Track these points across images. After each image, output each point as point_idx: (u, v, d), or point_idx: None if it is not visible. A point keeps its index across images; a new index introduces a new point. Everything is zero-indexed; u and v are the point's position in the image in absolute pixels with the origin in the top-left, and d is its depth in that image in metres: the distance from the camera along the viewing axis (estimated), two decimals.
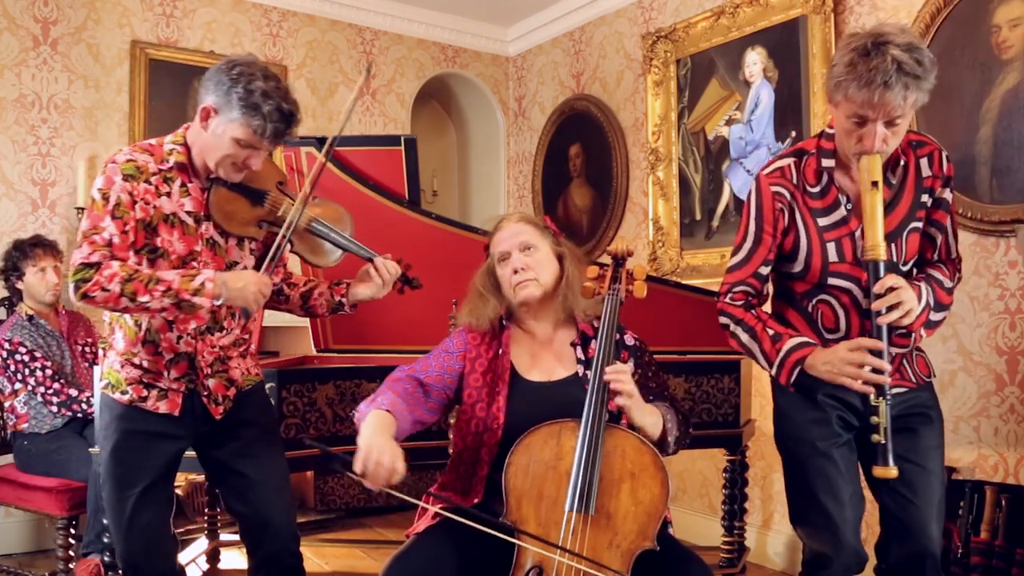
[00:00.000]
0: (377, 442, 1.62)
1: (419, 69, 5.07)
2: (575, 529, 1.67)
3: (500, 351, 1.94)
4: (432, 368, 1.95)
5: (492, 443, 1.86)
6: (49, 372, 3.19)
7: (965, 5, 2.95)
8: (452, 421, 2.49)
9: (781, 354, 1.87)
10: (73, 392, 3.19)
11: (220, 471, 2.09)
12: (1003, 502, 2.55)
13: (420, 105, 5.27)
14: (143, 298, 1.79)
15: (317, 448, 1.77)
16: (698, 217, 4.05)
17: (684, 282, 3.61)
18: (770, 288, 2.04)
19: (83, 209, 3.85)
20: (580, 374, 1.91)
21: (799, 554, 2.04)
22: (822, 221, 1.88)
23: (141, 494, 1.96)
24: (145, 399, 1.96)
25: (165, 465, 2.01)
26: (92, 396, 3.15)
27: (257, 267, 2.06)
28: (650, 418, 1.79)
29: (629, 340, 1.99)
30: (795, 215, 1.90)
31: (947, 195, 1.89)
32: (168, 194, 1.92)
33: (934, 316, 1.85)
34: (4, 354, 3.18)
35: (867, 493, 1.98)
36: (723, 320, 1.98)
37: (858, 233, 1.84)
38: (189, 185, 1.95)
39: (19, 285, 3.35)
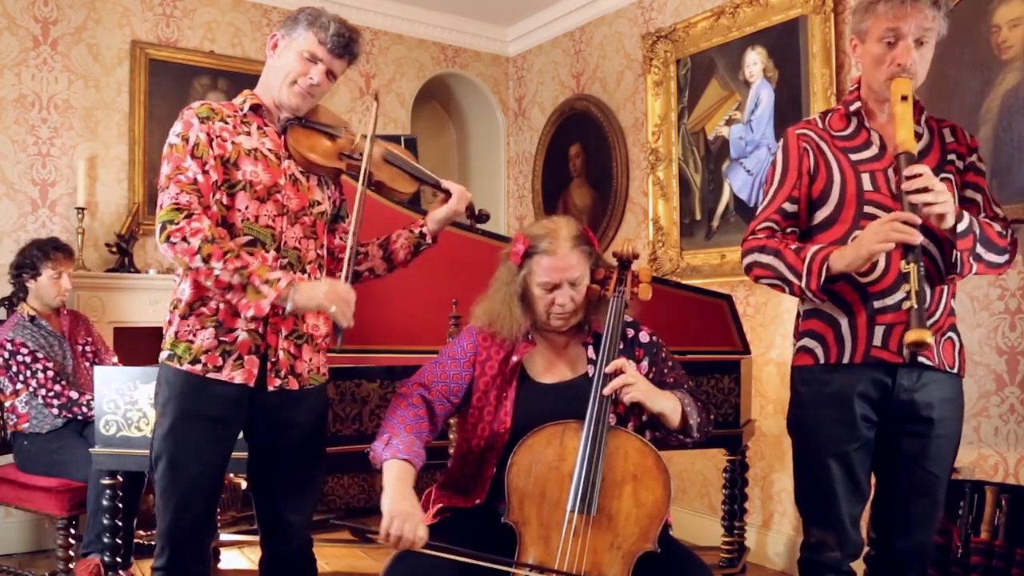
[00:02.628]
0: (399, 511, 1.63)
1: (419, 69, 5.07)
2: (577, 530, 1.67)
3: (512, 354, 1.91)
4: (439, 378, 1.92)
5: (499, 446, 1.85)
6: (51, 373, 3.18)
7: (965, 5, 2.95)
8: (452, 421, 2.49)
9: (807, 261, 1.83)
10: (74, 395, 3.19)
11: (251, 461, 2.02)
12: (1003, 502, 2.55)
13: (420, 105, 5.27)
14: (216, 264, 1.74)
15: (342, 524, 1.72)
16: (698, 217, 4.05)
17: (684, 282, 3.61)
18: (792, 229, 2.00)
19: (83, 209, 3.86)
20: (590, 374, 1.89)
21: (799, 553, 2.04)
22: (854, 156, 1.91)
23: (198, 475, 1.90)
24: (220, 368, 1.86)
25: (219, 450, 1.93)
26: (92, 399, 3.15)
27: (334, 220, 2.10)
28: (668, 403, 1.78)
29: (644, 337, 1.97)
30: (823, 154, 1.93)
31: (977, 162, 1.93)
32: (248, 133, 1.94)
33: (984, 252, 1.81)
34: (6, 355, 3.18)
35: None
36: (747, 259, 1.96)
37: (890, 171, 1.86)
38: (266, 128, 1.97)
39: (29, 284, 3.32)
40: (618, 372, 1.75)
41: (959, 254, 1.79)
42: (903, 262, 1.67)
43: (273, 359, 1.91)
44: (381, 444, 1.77)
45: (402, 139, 3.03)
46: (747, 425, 3.18)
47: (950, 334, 1.90)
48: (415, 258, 2.14)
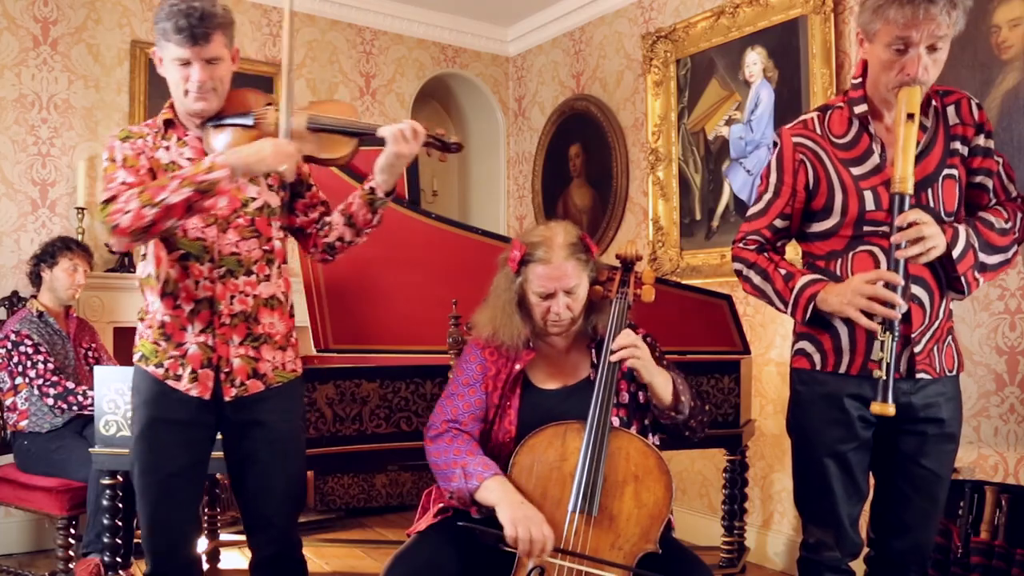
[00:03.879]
0: (522, 515, 1.65)
1: (419, 69, 5.07)
2: (578, 530, 1.67)
3: (514, 364, 1.90)
4: (463, 409, 1.90)
5: (504, 455, 1.83)
6: (51, 366, 3.19)
7: None
8: None
9: (795, 292, 1.83)
10: (70, 384, 3.18)
11: (229, 466, 2.03)
12: (1003, 502, 2.55)
13: (420, 105, 5.27)
14: (161, 195, 1.74)
15: (476, 529, 1.69)
16: (698, 217, 4.05)
17: (684, 282, 3.61)
18: (794, 252, 2.01)
19: (83, 209, 3.86)
20: (592, 378, 1.88)
21: (798, 553, 2.04)
22: (855, 170, 1.83)
23: (167, 479, 1.91)
24: (180, 378, 1.89)
25: (192, 454, 1.94)
26: (88, 390, 3.16)
27: (292, 198, 2.05)
28: (659, 377, 1.81)
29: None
30: (823, 167, 1.86)
31: (983, 141, 1.84)
32: (166, 148, 1.94)
33: (987, 259, 1.78)
34: (9, 345, 3.19)
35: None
36: (736, 265, 1.97)
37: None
38: (185, 137, 1.95)
39: (45, 274, 3.36)
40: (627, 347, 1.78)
41: (963, 276, 1.77)
42: (880, 328, 1.68)
43: (227, 369, 1.91)
44: (458, 482, 1.75)
45: None
46: (747, 425, 3.18)
47: (949, 339, 1.88)
48: (378, 216, 2.03)
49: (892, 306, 1.68)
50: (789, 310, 1.87)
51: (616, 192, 4.52)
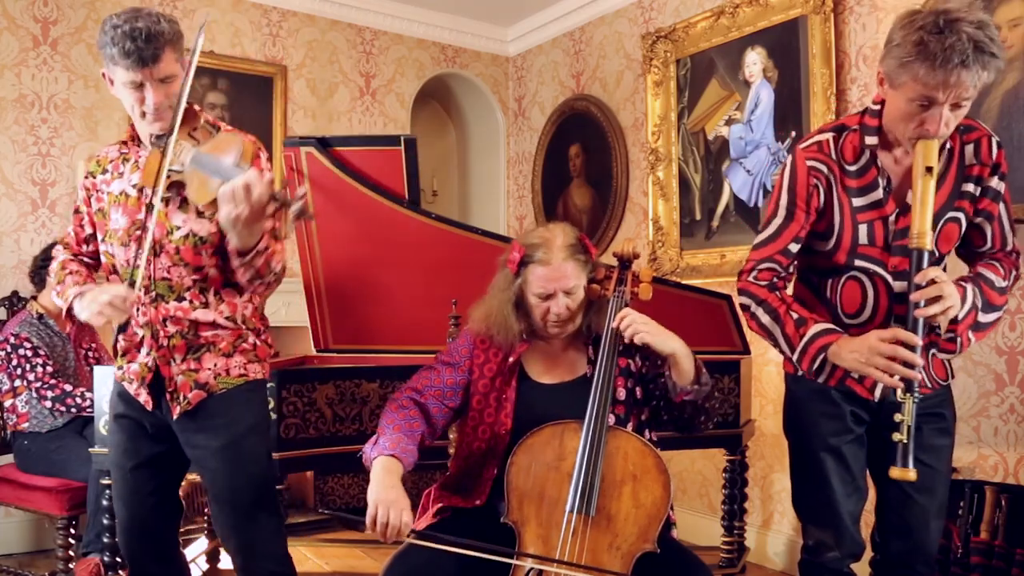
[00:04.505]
0: (384, 498, 1.64)
1: (419, 69, 5.07)
2: (576, 530, 1.67)
3: (510, 356, 1.91)
4: (434, 383, 1.92)
5: (500, 447, 1.85)
6: (49, 369, 3.19)
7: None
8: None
9: (805, 340, 1.77)
10: (68, 387, 3.18)
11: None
12: (1003, 502, 2.55)
13: (420, 105, 5.27)
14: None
15: (329, 513, 1.73)
16: (698, 217, 4.05)
17: (684, 282, 3.61)
18: (794, 267, 1.98)
19: None
20: (589, 375, 1.89)
21: (799, 554, 2.04)
22: (856, 201, 1.80)
23: (128, 474, 1.96)
24: (131, 382, 1.95)
25: (150, 451, 1.97)
26: (86, 392, 3.16)
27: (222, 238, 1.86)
28: (676, 343, 1.79)
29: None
30: (832, 193, 1.82)
31: (996, 183, 1.79)
32: (122, 175, 1.95)
33: (983, 318, 1.76)
34: (8, 348, 3.19)
35: (868, 482, 1.97)
36: (743, 300, 1.89)
37: (892, 218, 1.78)
38: (139, 159, 1.95)
39: (49, 278, 3.35)
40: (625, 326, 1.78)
41: (959, 336, 1.75)
42: (900, 390, 1.64)
43: (171, 388, 1.91)
44: (370, 446, 1.79)
45: (402, 139, 3.02)
46: (747, 425, 3.18)
47: (932, 351, 1.84)
48: (250, 275, 1.85)
49: (912, 367, 1.63)
50: (796, 357, 1.81)
51: (616, 192, 4.52)
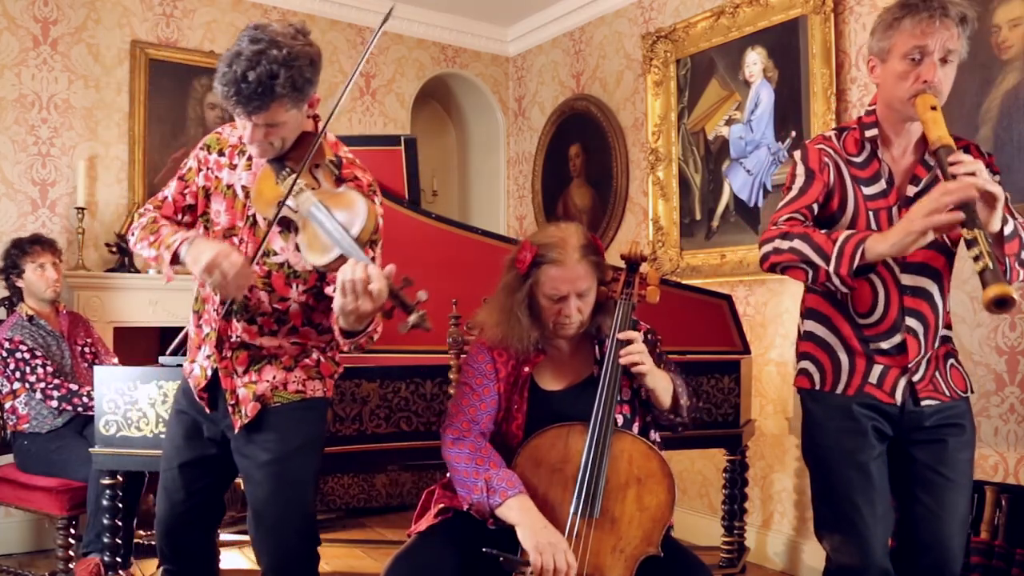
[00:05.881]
0: (548, 541, 1.61)
1: (419, 69, 5.07)
2: (579, 533, 1.67)
3: (523, 365, 1.88)
4: (480, 408, 1.86)
5: (507, 459, 1.82)
6: (50, 369, 3.19)
7: None
8: None
9: (838, 243, 1.68)
10: (73, 387, 3.18)
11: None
12: (1003, 502, 2.55)
13: (420, 105, 5.27)
14: (140, 245, 1.87)
15: (495, 554, 1.61)
16: (698, 217, 4.05)
17: (684, 282, 3.61)
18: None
19: (83, 209, 3.86)
20: (596, 374, 1.88)
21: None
22: (866, 190, 1.85)
23: (176, 469, 1.95)
24: (194, 383, 1.93)
25: (201, 455, 1.95)
26: (92, 391, 3.16)
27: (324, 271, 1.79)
28: (661, 382, 1.82)
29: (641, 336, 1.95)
30: (841, 177, 1.87)
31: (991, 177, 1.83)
32: (234, 166, 1.87)
33: None
34: (4, 353, 3.18)
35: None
36: (766, 247, 1.79)
37: (895, 210, 1.81)
38: (255, 160, 1.85)
39: (19, 283, 3.34)
40: (630, 341, 1.79)
41: (1008, 259, 1.71)
42: (964, 230, 1.54)
43: (232, 401, 1.86)
44: (480, 495, 1.71)
45: (402, 139, 3.02)
46: (747, 425, 3.18)
47: (951, 362, 1.87)
48: (351, 346, 1.77)
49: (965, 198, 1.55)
50: (832, 264, 1.68)
51: (616, 192, 4.52)
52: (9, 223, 3.82)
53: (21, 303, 3.36)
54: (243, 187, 1.85)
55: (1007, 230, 1.70)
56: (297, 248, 1.78)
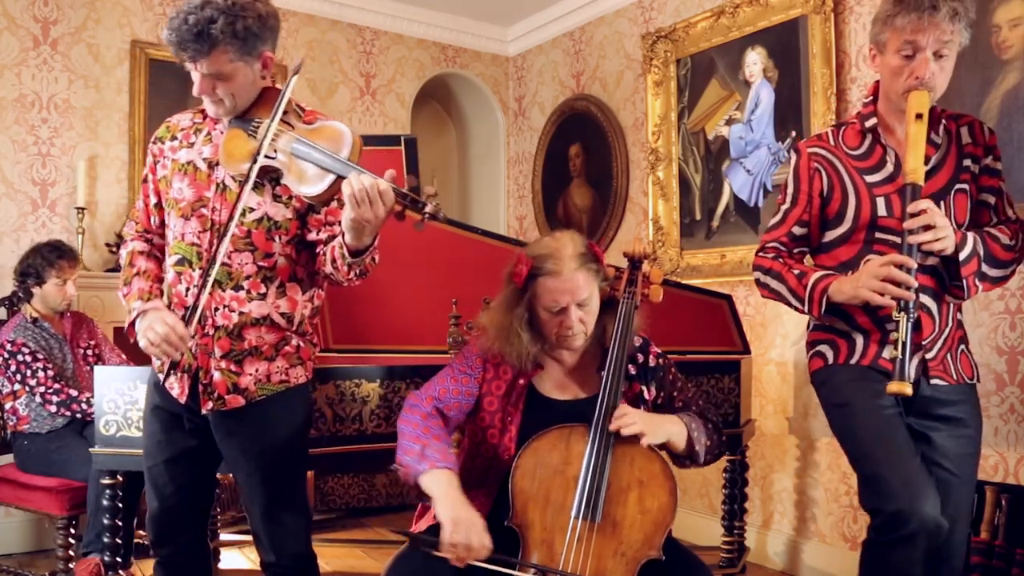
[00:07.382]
0: (461, 517, 1.58)
1: (419, 69, 5.07)
2: (580, 536, 1.66)
3: (520, 379, 1.85)
4: (451, 392, 1.84)
5: (501, 471, 1.80)
6: (51, 373, 3.18)
7: None
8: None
9: (808, 287, 1.87)
10: (73, 392, 3.18)
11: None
12: (1003, 502, 2.55)
13: (420, 105, 5.27)
14: (124, 288, 1.94)
15: (404, 534, 1.63)
16: (698, 217, 4.05)
17: (684, 282, 3.61)
18: (809, 260, 2.04)
19: (83, 209, 3.86)
20: (601, 374, 1.83)
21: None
22: (870, 178, 1.90)
23: (162, 466, 1.93)
24: (168, 376, 1.90)
25: (182, 444, 1.93)
26: (92, 397, 3.15)
27: (303, 215, 1.84)
28: (673, 428, 1.77)
29: (652, 361, 1.91)
30: (837, 173, 1.93)
31: (992, 162, 1.91)
32: (191, 144, 1.90)
33: (989, 270, 1.83)
34: (5, 355, 3.18)
35: None
36: (755, 275, 2.03)
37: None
38: (213, 132, 1.89)
39: (35, 289, 3.31)
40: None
41: (964, 280, 1.80)
42: (895, 310, 1.72)
43: (205, 381, 1.86)
44: (413, 457, 1.70)
45: (402, 139, 3.02)
46: (747, 425, 3.18)
47: (963, 347, 1.92)
48: (356, 272, 1.81)
49: (907, 288, 1.70)
50: (805, 307, 1.89)
51: (616, 192, 4.52)
52: (9, 223, 3.82)
53: (27, 304, 3.35)
54: (204, 159, 1.88)
55: (963, 255, 1.79)
56: (275, 199, 1.83)
